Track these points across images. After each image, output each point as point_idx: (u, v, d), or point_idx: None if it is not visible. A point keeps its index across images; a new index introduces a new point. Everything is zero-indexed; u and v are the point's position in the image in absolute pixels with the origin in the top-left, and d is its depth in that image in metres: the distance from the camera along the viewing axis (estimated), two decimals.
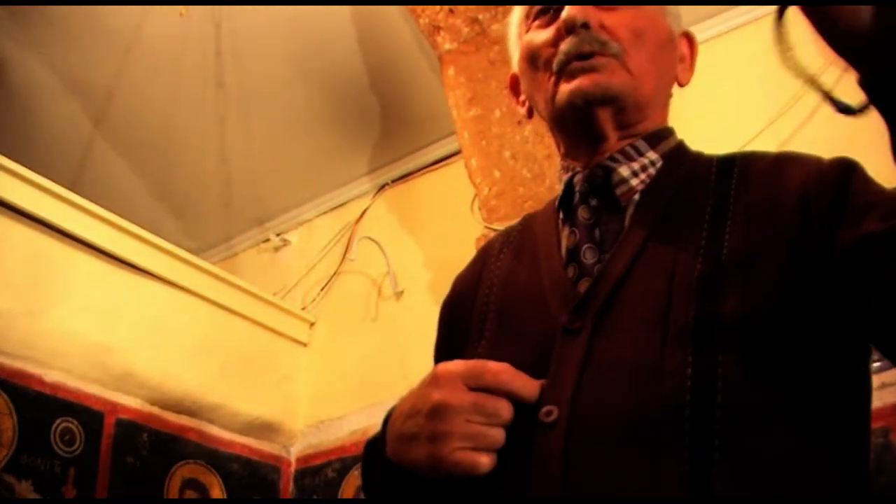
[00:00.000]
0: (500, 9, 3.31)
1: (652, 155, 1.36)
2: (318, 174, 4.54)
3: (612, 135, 1.35)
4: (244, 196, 4.68)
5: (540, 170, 3.28)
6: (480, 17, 3.39)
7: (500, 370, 1.15)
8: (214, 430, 3.82)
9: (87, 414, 3.34)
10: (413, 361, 3.75)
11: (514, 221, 1.57)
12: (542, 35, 1.39)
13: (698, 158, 1.39)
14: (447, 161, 4.23)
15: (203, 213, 4.78)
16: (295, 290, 4.52)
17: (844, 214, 1.14)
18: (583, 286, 1.25)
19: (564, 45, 1.34)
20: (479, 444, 1.12)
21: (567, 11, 1.35)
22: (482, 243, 2.83)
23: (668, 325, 1.13)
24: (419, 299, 3.97)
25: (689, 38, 1.50)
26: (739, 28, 3.51)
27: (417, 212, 4.27)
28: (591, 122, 1.35)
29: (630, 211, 1.31)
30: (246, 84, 4.23)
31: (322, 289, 4.42)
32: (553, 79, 1.36)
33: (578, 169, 1.38)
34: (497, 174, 3.35)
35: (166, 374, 3.61)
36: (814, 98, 3.00)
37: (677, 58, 1.46)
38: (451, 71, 3.49)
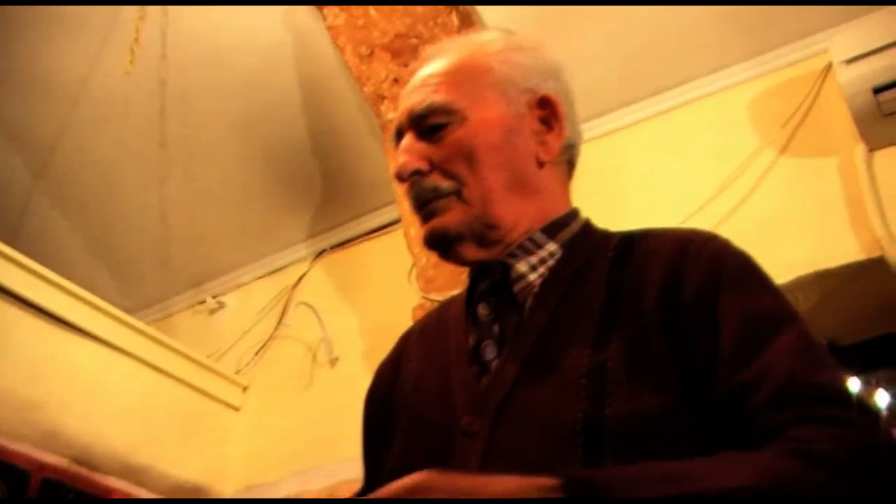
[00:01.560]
0: None
1: (551, 246, 1.36)
2: (257, 237, 4.54)
3: (485, 255, 1.35)
4: (182, 256, 4.66)
5: None
6: None
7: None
8: (143, 492, 3.75)
9: (12, 472, 3.26)
10: (346, 429, 3.70)
11: (451, 293, 1.58)
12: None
13: (599, 243, 1.38)
14: (386, 229, 4.24)
15: (140, 272, 4.74)
16: (229, 354, 4.48)
17: (714, 348, 1.16)
18: (485, 383, 1.26)
19: (409, 194, 1.37)
20: None
21: (396, 164, 1.36)
22: (419, 313, 2.84)
23: (559, 425, 1.14)
24: (354, 367, 3.94)
25: (549, 102, 1.42)
26: (678, 108, 3.57)
27: (355, 279, 4.27)
28: (456, 257, 1.36)
29: (528, 304, 1.31)
30: (189, 144, 4.23)
31: (256, 353, 4.39)
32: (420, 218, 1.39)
33: (479, 266, 1.39)
34: None
35: (95, 433, 3.54)
36: (749, 179, 3.06)
37: (531, 138, 1.39)
38: None
